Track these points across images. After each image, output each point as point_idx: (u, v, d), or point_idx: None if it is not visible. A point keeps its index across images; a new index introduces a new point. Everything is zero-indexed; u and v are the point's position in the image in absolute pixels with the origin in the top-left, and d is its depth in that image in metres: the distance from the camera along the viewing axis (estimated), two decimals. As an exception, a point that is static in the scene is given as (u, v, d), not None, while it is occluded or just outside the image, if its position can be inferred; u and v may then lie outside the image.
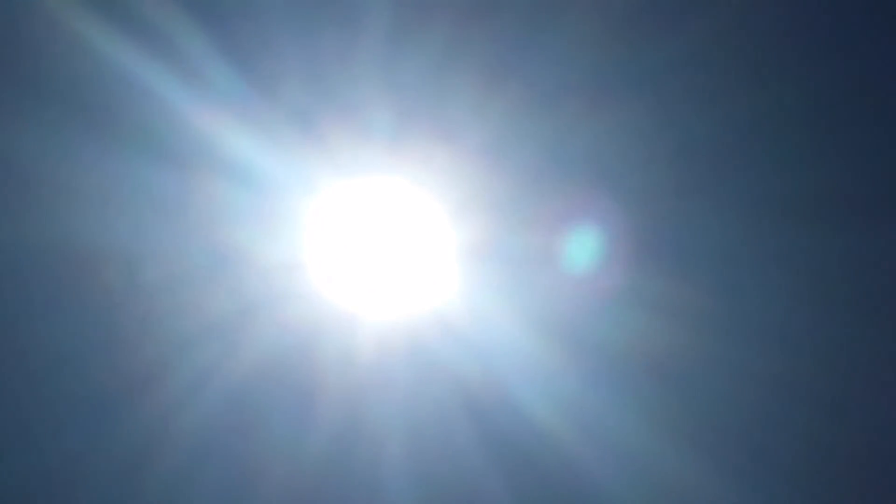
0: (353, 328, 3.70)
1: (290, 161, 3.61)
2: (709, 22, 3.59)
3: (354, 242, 3.70)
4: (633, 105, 3.64)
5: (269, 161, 3.60)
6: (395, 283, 3.70)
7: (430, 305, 3.70)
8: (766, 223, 3.62)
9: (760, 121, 3.68)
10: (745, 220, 3.63)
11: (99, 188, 3.62)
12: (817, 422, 3.63)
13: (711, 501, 3.64)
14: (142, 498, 3.72)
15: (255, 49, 3.58)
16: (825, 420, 3.64)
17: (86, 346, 3.61)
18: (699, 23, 3.58)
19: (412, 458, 3.73)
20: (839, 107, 3.59)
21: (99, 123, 3.60)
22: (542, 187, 3.64)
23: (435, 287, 3.70)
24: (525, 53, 3.57)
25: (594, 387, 3.65)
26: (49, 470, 3.72)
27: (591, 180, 3.64)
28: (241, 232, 3.65)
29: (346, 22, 3.55)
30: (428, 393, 3.70)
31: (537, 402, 3.67)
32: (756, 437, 3.63)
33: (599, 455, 3.67)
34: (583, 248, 3.65)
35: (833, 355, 3.62)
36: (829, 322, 3.61)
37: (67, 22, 3.53)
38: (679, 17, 3.58)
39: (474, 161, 3.62)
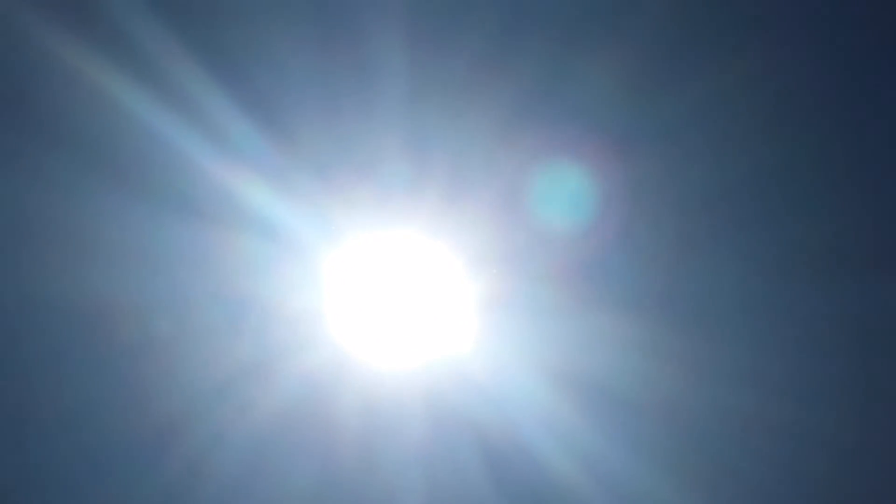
0: (371, 378, 3.76)
1: (310, 214, 3.66)
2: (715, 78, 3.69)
3: (373, 294, 3.76)
4: (648, 158, 3.72)
5: (289, 214, 3.66)
6: (412, 333, 3.76)
7: (447, 355, 3.77)
8: (773, 275, 3.71)
9: (769, 173, 3.77)
10: (753, 272, 3.73)
11: (119, 241, 3.66)
12: (825, 468, 3.72)
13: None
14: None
15: (275, 104, 3.64)
16: (832, 465, 3.74)
17: (108, 398, 3.64)
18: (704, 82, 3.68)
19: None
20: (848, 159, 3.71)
21: (120, 177, 3.64)
22: (557, 240, 3.72)
23: (452, 337, 3.76)
24: (540, 106, 3.65)
25: (609, 436, 3.73)
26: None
27: (608, 232, 3.72)
28: (260, 283, 3.70)
29: (364, 78, 3.62)
30: (445, 441, 3.76)
31: (552, 451, 3.74)
32: (770, 485, 3.71)
33: (611, 499, 3.74)
34: (599, 298, 3.73)
35: (839, 403, 3.72)
36: (835, 370, 3.71)
37: (89, 76, 3.57)
38: (689, 74, 3.67)
39: (491, 214, 3.69)
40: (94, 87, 3.56)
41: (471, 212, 3.69)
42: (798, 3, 3.64)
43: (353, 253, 3.72)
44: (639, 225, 3.77)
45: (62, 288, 3.62)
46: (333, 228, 3.68)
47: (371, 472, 3.75)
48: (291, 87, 3.64)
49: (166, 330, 3.66)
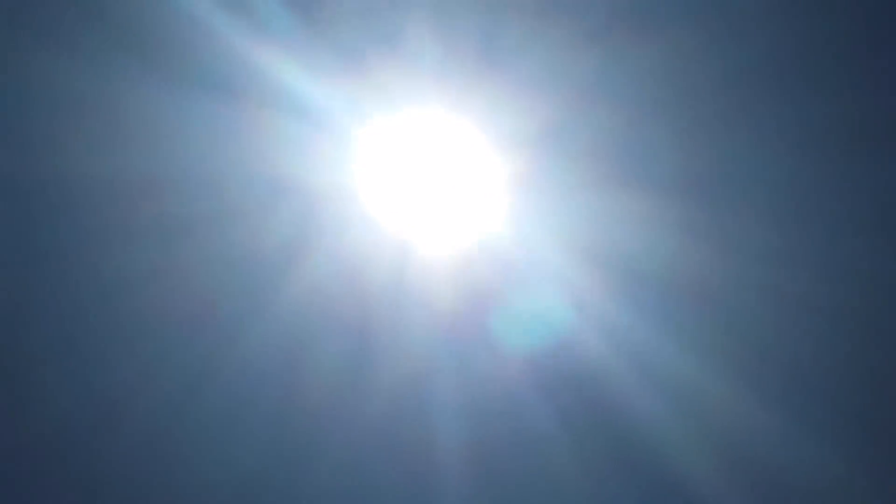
0: (403, 260, 3.77)
1: (341, 93, 3.66)
2: None
3: (402, 173, 3.76)
4: (676, 36, 3.68)
5: (319, 93, 3.66)
6: (442, 212, 3.76)
7: (478, 234, 3.77)
8: (808, 150, 3.67)
9: (798, 50, 3.72)
10: (786, 147, 3.69)
11: (149, 120, 3.68)
12: (863, 349, 3.69)
13: (752, 426, 3.70)
14: (192, 423, 3.79)
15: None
16: (870, 347, 3.71)
17: (143, 274, 3.67)
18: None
19: (460, 388, 3.80)
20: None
21: (149, 57, 3.65)
22: (588, 119, 3.69)
23: (482, 216, 3.76)
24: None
25: (639, 314, 3.72)
26: (100, 400, 3.79)
27: (636, 111, 3.69)
28: (290, 163, 3.70)
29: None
30: (475, 319, 3.77)
31: (583, 329, 3.74)
32: (799, 364, 3.69)
33: (644, 381, 3.73)
34: (629, 177, 3.71)
35: (875, 281, 3.68)
36: (872, 248, 3.67)
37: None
38: None
39: (521, 92, 3.67)
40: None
41: (501, 89, 3.67)
42: None
43: (382, 131, 3.71)
44: (669, 105, 3.73)
45: (95, 166, 3.65)
46: (363, 107, 3.67)
47: (403, 351, 3.76)
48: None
49: (194, 208, 3.67)
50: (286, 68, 3.64)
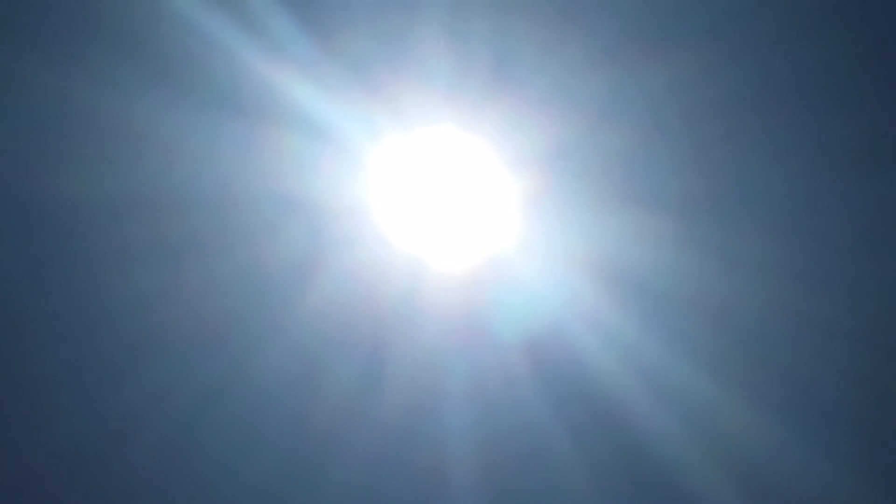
0: (414, 276, 3.77)
1: (353, 111, 3.65)
2: None
3: (415, 191, 3.76)
4: (689, 55, 3.69)
5: (331, 111, 3.65)
6: (456, 230, 3.77)
7: (491, 252, 3.78)
8: (819, 168, 3.70)
9: (810, 69, 3.74)
10: (798, 165, 3.71)
11: (160, 138, 3.66)
12: (865, 363, 3.73)
13: (767, 445, 3.74)
14: (205, 442, 3.80)
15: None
16: (872, 360, 3.75)
17: (152, 294, 3.67)
18: None
19: (472, 403, 3.82)
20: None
21: (161, 74, 3.63)
22: (600, 136, 3.70)
23: (496, 234, 3.77)
24: (589, 4, 3.62)
25: (653, 331, 3.74)
26: (112, 421, 3.79)
27: (650, 127, 3.70)
28: (303, 181, 3.70)
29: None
30: (488, 338, 3.79)
31: (596, 347, 3.76)
32: (812, 382, 3.73)
33: (657, 399, 3.76)
34: (641, 195, 3.72)
35: (881, 297, 3.72)
36: (882, 264, 3.71)
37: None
38: None
39: (535, 109, 3.67)
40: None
41: (513, 107, 3.67)
42: None
43: (395, 150, 3.71)
44: (681, 123, 3.75)
45: (105, 184, 3.63)
46: (377, 124, 3.67)
47: (415, 368, 3.78)
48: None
49: (206, 227, 3.67)
50: (298, 85, 3.63)
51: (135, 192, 3.65)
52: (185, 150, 3.64)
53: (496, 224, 3.77)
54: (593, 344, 3.75)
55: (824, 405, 3.71)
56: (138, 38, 3.56)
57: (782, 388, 3.75)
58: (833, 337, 3.73)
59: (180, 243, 3.68)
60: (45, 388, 3.71)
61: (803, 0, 3.62)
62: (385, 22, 3.64)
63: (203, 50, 3.59)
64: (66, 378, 3.71)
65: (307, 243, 3.73)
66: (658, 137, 3.73)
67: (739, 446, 3.79)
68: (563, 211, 3.76)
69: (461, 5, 3.61)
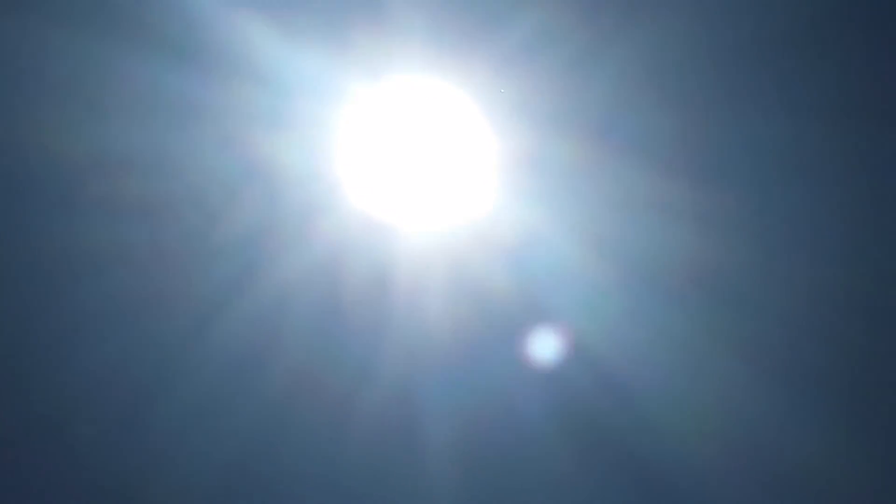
0: (386, 241, 3.57)
1: (322, 65, 3.45)
2: None
3: (390, 152, 3.55)
4: (680, 18, 3.50)
5: (300, 65, 3.44)
6: (430, 193, 3.57)
7: (467, 217, 3.58)
8: (814, 132, 3.51)
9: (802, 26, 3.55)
10: (790, 128, 3.52)
11: (122, 95, 3.47)
12: (870, 334, 3.55)
13: (756, 414, 3.57)
14: (165, 415, 3.61)
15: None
16: (872, 330, 3.56)
17: (110, 254, 3.47)
18: None
19: (447, 375, 3.63)
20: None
21: (121, 29, 3.44)
22: (586, 94, 3.50)
23: (472, 198, 3.56)
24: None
25: (636, 299, 3.55)
26: (70, 382, 3.60)
27: (637, 86, 3.51)
28: (269, 139, 3.50)
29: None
30: (465, 307, 3.59)
31: (578, 315, 3.57)
32: (803, 349, 3.55)
33: (643, 370, 3.58)
34: (626, 159, 3.52)
35: (884, 264, 3.54)
36: (879, 230, 3.52)
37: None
38: None
39: (514, 64, 3.47)
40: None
41: (493, 61, 3.47)
42: None
43: (368, 107, 3.50)
44: (669, 83, 3.55)
45: (67, 141, 3.43)
46: (348, 80, 3.46)
47: (388, 337, 3.58)
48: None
49: (169, 187, 3.47)
50: (264, 40, 3.42)
51: (94, 149, 3.45)
52: (144, 107, 3.45)
53: (473, 187, 3.56)
54: (574, 309, 3.56)
55: (840, 389, 3.54)
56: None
57: (775, 358, 3.57)
58: (829, 307, 3.54)
59: (140, 202, 3.48)
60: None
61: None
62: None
63: (164, 3, 3.40)
64: (18, 343, 3.52)
65: (274, 205, 3.53)
66: (647, 100, 3.53)
67: (741, 422, 3.60)
68: (550, 176, 3.56)
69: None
